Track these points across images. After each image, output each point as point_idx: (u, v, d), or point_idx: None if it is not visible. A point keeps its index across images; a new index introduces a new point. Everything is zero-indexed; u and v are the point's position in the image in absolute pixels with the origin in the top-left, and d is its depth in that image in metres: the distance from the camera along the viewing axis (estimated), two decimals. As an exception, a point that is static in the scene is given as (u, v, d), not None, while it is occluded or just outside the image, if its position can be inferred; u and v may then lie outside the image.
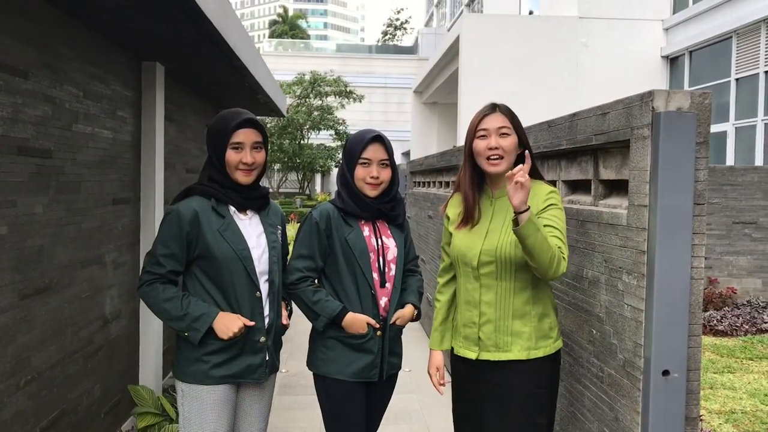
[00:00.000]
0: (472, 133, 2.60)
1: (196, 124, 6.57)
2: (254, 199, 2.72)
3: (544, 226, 2.37)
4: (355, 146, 2.83)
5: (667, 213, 2.23)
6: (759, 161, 12.44)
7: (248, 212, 2.73)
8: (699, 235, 2.26)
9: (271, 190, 31.09)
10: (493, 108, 2.59)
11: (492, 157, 2.54)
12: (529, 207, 2.26)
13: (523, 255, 2.38)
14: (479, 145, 2.56)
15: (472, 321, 2.58)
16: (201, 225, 2.56)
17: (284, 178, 32.51)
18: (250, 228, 2.70)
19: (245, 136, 2.63)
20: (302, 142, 29.23)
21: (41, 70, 3.27)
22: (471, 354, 2.59)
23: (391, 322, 2.82)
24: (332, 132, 29.23)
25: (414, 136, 27.02)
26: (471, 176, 2.63)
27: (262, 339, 2.65)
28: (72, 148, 3.67)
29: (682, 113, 2.23)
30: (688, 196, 2.24)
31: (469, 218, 2.62)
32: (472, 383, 2.64)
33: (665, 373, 2.25)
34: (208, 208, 2.61)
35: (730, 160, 13.39)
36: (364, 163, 2.80)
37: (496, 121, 2.55)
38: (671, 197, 2.23)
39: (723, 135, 13.57)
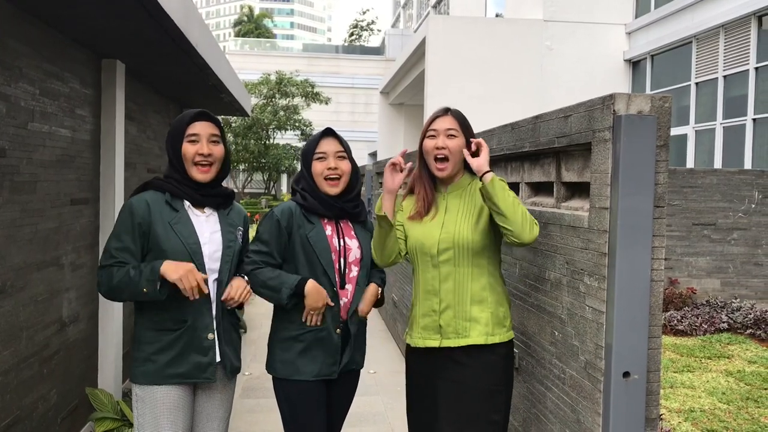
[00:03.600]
0: (424, 133, 2.77)
1: (157, 123, 6.46)
2: (212, 196, 2.68)
3: (510, 193, 2.53)
4: (309, 144, 2.85)
5: (628, 215, 2.25)
6: (718, 164, 12.71)
7: (206, 210, 2.68)
8: (659, 237, 2.28)
9: (236, 191, 30.91)
10: (445, 111, 2.76)
11: (438, 156, 2.69)
12: (493, 174, 2.49)
13: (479, 240, 2.59)
14: (428, 144, 2.72)
15: (432, 309, 2.65)
16: (152, 217, 2.53)
17: (249, 179, 32.24)
18: (206, 225, 2.65)
19: (201, 128, 2.63)
20: (268, 142, 29.03)
21: (-6, 66, 3.18)
22: (433, 342, 2.64)
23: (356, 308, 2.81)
24: (298, 132, 29.09)
25: (381, 137, 27.03)
26: (424, 174, 2.78)
27: (210, 336, 2.59)
28: (28, 147, 3.57)
29: (642, 116, 2.25)
30: (648, 199, 2.26)
31: (426, 210, 2.73)
32: (428, 380, 2.68)
33: (626, 374, 2.27)
34: (161, 201, 2.58)
35: (690, 163, 13.66)
36: (321, 158, 2.79)
37: (445, 123, 2.71)
38: (632, 200, 2.25)
39: (683, 138, 13.84)
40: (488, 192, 2.45)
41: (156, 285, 2.41)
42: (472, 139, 2.65)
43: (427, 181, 2.76)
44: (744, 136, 12.05)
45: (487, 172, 2.51)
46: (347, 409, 2.97)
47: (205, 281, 2.52)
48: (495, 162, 3.65)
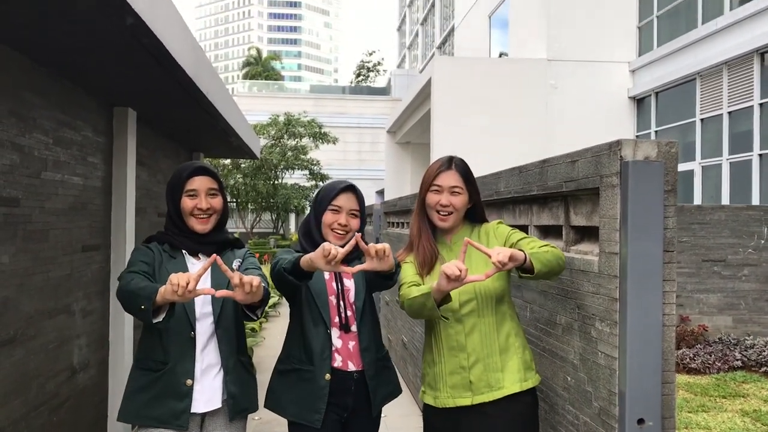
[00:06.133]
0: (427, 185, 2.71)
1: (167, 167, 6.54)
2: (206, 244, 2.72)
3: (528, 246, 2.51)
4: (327, 193, 2.84)
5: (638, 261, 2.25)
6: (725, 199, 12.69)
7: (200, 256, 2.71)
8: (670, 282, 2.28)
9: (244, 231, 31.01)
10: (449, 164, 2.70)
11: (442, 212, 2.67)
12: (524, 253, 2.35)
13: (499, 287, 2.58)
14: (432, 198, 2.69)
15: (461, 366, 2.56)
16: (155, 261, 2.62)
17: (258, 219, 32.37)
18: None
19: (200, 183, 2.69)
20: (276, 182, 29.22)
21: (9, 118, 3.24)
22: (465, 401, 2.55)
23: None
24: (306, 172, 29.29)
25: (388, 176, 27.17)
26: (425, 227, 2.73)
27: (188, 382, 2.56)
28: (40, 195, 3.62)
29: (649, 162, 2.27)
30: (658, 244, 2.26)
31: (431, 268, 2.66)
32: None
33: (640, 421, 2.24)
34: (161, 250, 2.67)
35: (698, 198, 13.64)
36: (335, 210, 2.79)
37: (450, 179, 2.67)
38: (641, 245, 2.25)
39: (690, 174, 13.85)
40: (540, 275, 2.39)
41: (150, 303, 2.29)
42: (492, 262, 2.27)
43: (428, 234, 2.72)
44: (750, 172, 12.06)
45: (524, 260, 2.32)
46: None
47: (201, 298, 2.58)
48: (503, 205, 3.67)
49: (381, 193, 33.64)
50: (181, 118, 5.47)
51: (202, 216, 2.68)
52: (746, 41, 12.01)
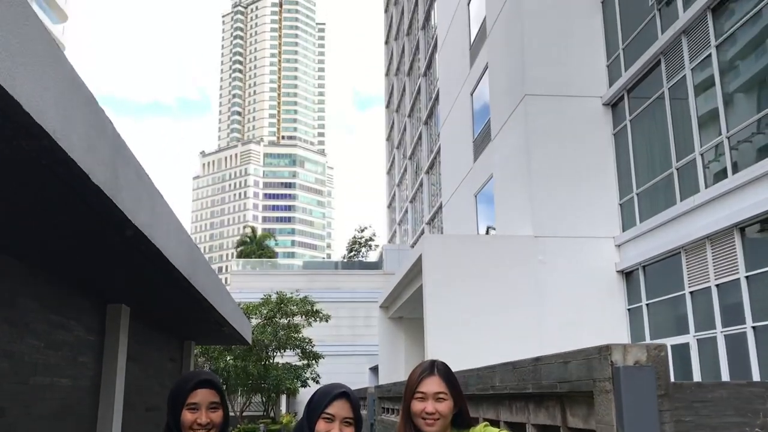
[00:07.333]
0: (411, 393, 2.69)
1: (158, 359, 6.46)
2: None
3: None
4: (320, 399, 2.78)
5: (639, 471, 2.19)
6: (725, 373, 12.49)
7: None
8: (674, 492, 2.20)
9: (233, 415, 29.82)
10: (432, 369, 2.69)
11: (428, 420, 2.62)
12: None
13: None
14: (417, 406, 2.65)
15: None
16: None
17: (248, 402, 31.34)
18: None
19: (202, 396, 2.65)
20: (267, 362, 28.67)
21: (2, 326, 3.26)
22: None
23: None
24: (298, 351, 28.87)
25: (382, 352, 26.75)
26: None
27: None
28: (27, 402, 3.54)
29: (640, 368, 2.28)
30: (657, 452, 2.22)
31: None
32: None
33: None
34: None
35: (696, 373, 13.42)
36: (327, 419, 2.73)
37: (434, 385, 2.64)
38: (641, 454, 2.20)
39: (686, 347, 13.73)
40: None
41: None
42: None
43: None
44: (747, 345, 11.98)
45: None
46: None
47: None
48: (499, 400, 3.61)
49: (375, 369, 32.97)
50: (175, 311, 5.50)
51: (200, 431, 2.63)
52: (725, 216, 12.44)
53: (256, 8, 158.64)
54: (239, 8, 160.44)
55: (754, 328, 11.96)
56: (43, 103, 1.82)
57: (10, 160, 2.11)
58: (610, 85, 16.70)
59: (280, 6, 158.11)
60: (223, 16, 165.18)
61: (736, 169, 12.41)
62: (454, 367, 2.78)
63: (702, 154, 13.48)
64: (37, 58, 1.84)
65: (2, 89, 1.60)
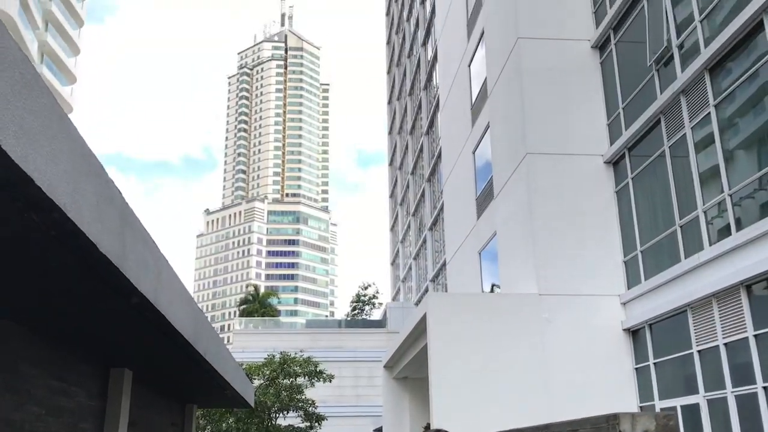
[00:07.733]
0: None
1: (160, 424, 6.36)
2: None
3: None
4: None
5: None
6: (738, 435, 12.21)
7: None
8: None
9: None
10: None
11: None
12: None
13: None
14: None
15: None
16: None
17: (250, 467, 30.60)
18: None
19: None
20: (270, 424, 28.13)
21: (4, 394, 3.23)
22: None
23: None
24: (301, 413, 28.36)
25: (386, 413, 26.28)
26: None
27: None
28: (26, 471, 3.48)
29: (650, 438, 2.25)
30: None
31: None
32: None
33: None
34: None
35: (708, 434, 13.13)
36: None
37: None
38: None
39: (696, 407, 13.47)
40: None
41: None
42: None
43: None
44: (758, 405, 11.75)
45: None
46: None
47: None
48: (507, 468, 3.54)
49: (379, 431, 32.30)
50: (177, 375, 5.44)
51: None
52: (730, 274, 12.37)
53: (262, 69, 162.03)
54: (245, 70, 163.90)
55: (765, 388, 11.76)
56: (54, 177, 1.86)
57: (20, 230, 2.13)
58: (611, 143, 16.84)
59: (285, 68, 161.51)
60: (229, 78, 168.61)
61: (739, 225, 12.39)
62: (462, 431, 2.75)
63: (705, 211, 13.49)
64: (50, 133, 1.88)
65: (16, 166, 1.64)
